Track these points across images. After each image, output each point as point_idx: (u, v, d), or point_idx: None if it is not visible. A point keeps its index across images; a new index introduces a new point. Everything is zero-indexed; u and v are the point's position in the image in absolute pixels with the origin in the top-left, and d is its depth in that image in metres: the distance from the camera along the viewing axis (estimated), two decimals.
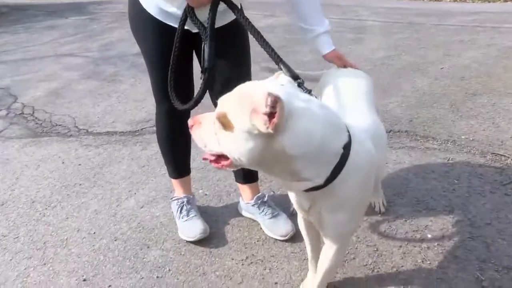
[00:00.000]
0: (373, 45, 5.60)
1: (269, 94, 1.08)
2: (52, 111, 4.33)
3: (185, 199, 2.39)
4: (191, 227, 2.30)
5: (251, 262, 2.15)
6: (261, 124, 1.11)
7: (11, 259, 2.32)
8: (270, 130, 1.11)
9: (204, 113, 1.31)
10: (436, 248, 2.14)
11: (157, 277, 2.12)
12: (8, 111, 4.44)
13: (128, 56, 5.92)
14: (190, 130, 1.31)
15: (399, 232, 2.28)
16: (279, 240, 2.28)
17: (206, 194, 2.72)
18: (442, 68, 4.60)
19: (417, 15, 6.99)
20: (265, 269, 2.11)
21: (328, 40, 2.00)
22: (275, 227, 2.30)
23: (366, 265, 2.09)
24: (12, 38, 7.87)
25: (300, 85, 1.43)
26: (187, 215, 2.34)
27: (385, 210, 2.42)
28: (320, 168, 1.24)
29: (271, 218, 2.33)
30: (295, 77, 1.47)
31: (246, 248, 2.25)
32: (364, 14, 7.53)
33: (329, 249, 1.60)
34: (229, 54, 1.99)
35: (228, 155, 1.23)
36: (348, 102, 1.67)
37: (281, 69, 1.54)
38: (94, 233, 2.47)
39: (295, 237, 2.26)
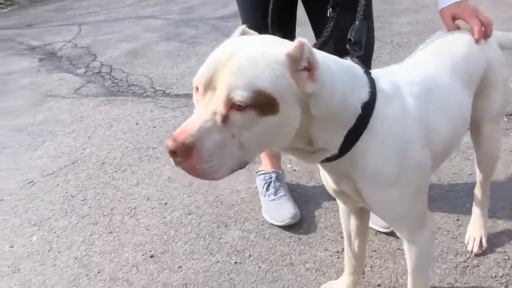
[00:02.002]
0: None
1: (304, 43, 0.84)
2: (130, 70, 4.18)
3: (273, 175, 2.08)
4: (279, 210, 1.98)
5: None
6: (307, 83, 0.86)
7: (77, 223, 2.17)
8: (316, 89, 0.86)
9: (190, 122, 0.84)
10: None
11: (235, 262, 1.82)
12: (87, 69, 4.37)
13: (210, 19, 5.68)
14: (177, 164, 0.84)
15: None
16: (380, 232, 1.89)
17: (295, 170, 2.36)
18: None
19: None
20: (365, 266, 1.75)
21: None
22: (376, 217, 1.91)
23: (495, 277, 1.67)
24: (96, 1, 7.97)
25: None
26: (275, 193, 2.02)
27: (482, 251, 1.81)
28: (334, 133, 0.98)
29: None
30: None
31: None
32: None
33: (404, 246, 1.29)
34: None
35: (254, 151, 0.92)
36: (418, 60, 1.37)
37: None
38: (166, 203, 2.21)
39: None
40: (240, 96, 0.80)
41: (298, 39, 0.85)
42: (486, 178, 1.75)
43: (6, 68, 4.64)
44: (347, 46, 1.22)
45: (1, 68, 4.64)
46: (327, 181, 1.24)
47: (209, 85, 0.85)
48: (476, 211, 1.79)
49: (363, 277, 1.69)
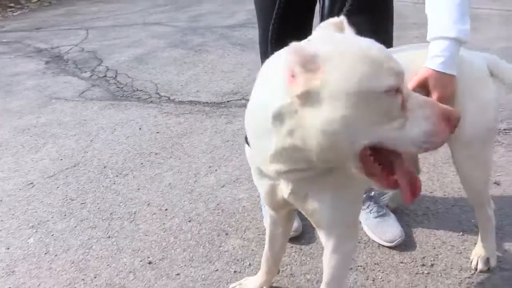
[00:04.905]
0: (490, 34, 4.91)
1: None
2: (135, 76, 4.16)
3: None
4: None
5: (350, 268, 1.74)
6: None
7: (75, 226, 2.12)
8: None
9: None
10: None
11: (235, 271, 1.77)
12: (92, 73, 4.35)
13: (217, 27, 5.68)
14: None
15: None
16: (384, 246, 1.85)
17: None
18: None
19: None
20: (367, 279, 1.71)
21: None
22: (381, 230, 1.89)
23: None
24: (105, 7, 7.97)
25: None
26: None
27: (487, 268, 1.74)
28: None
29: (376, 217, 1.90)
30: None
31: None
32: (477, 1, 6.74)
33: (326, 257, 1.30)
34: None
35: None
36: None
37: None
38: (166, 209, 2.18)
39: (405, 245, 1.86)
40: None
41: None
42: (475, 206, 1.67)
43: (12, 69, 4.63)
44: None
45: (7, 70, 4.63)
46: (275, 190, 1.21)
47: None
48: (481, 232, 1.73)
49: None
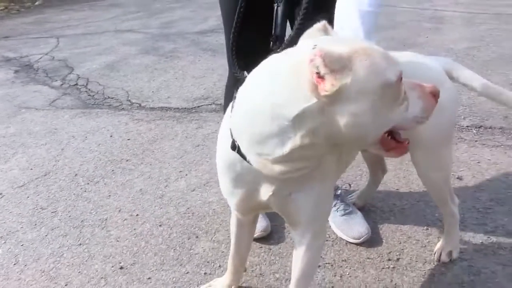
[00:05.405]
0: (454, 35, 5.05)
1: None
2: (106, 83, 4.14)
3: None
4: None
5: (318, 266, 1.78)
6: None
7: (46, 235, 2.11)
8: None
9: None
10: None
11: (205, 273, 1.80)
12: (63, 81, 4.32)
13: (189, 34, 5.70)
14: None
15: (502, 247, 1.85)
16: (351, 242, 1.90)
17: None
18: None
19: (507, 6, 6.30)
20: (334, 276, 1.75)
21: None
22: (348, 227, 1.94)
23: (461, 283, 1.70)
24: (76, 15, 7.90)
25: None
26: None
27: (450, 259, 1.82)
28: None
29: (343, 215, 1.95)
30: None
31: None
32: (441, 4, 6.92)
33: (298, 253, 1.34)
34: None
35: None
36: None
37: None
38: (137, 215, 2.19)
39: (371, 241, 1.91)
40: None
41: None
42: (438, 203, 1.75)
43: None
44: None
45: None
46: (251, 196, 1.22)
47: None
48: (445, 226, 1.80)
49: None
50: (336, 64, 0.87)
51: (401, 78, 0.96)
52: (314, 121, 0.91)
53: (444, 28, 5.42)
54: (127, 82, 4.16)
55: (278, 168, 1.00)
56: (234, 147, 1.07)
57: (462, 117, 2.98)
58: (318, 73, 0.86)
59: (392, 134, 1.03)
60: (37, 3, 9.13)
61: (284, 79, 0.93)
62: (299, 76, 0.89)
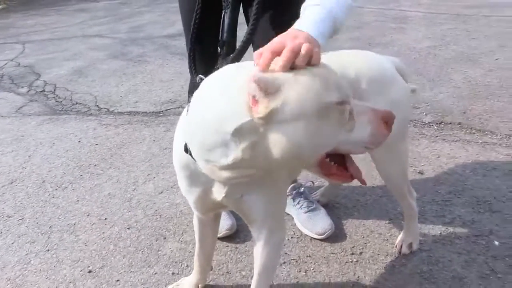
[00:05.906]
0: (417, 35, 5.19)
1: None
2: (74, 89, 4.12)
3: None
4: None
5: (284, 262, 1.84)
6: None
7: (13, 243, 2.09)
8: None
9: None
10: (507, 260, 1.78)
11: (173, 273, 1.83)
12: (30, 88, 4.27)
13: (157, 38, 5.71)
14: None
15: (458, 237, 1.93)
16: (315, 238, 1.95)
17: None
18: (497, 59, 4.16)
19: (465, 7, 6.51)
20: (299, 271, 1.80)
21: None
22: (311, 224, 1.99)
23: (420, 273, 1.77)
24: (42, 20, 7.79)
25: None
26: None
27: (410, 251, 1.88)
28: None
29: (307, 212, 2.01)
30: None
31: None
32: (406, 4, 7.10)
33: (258, 249, 1.38)
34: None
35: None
36: None
37: None
38: (106, 219, 2.20)
39: (335, 236, 1.97)
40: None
41: None
42: (397, 197, 1.82)
43: None
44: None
45: None
46: (207, 195, 1.26)
47: None
48: (405, 219, 1.87)
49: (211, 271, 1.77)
50: (270, 89, 0.90)
51: (347, 102, 0.97)
52: (251, 137, 0.94)
53: (407, 28, 5.56)
54: (95, 87, 4.14)
55: (225, 174, 1.03)
56: (187, 150, 1.10)
57: (424, 113, 3.09)
58: (254, 96, 0.91)
59: (345, 159, 1.05)
60: (0, 7, 8.96)
61: (231, 95, 0.96)
62: (242, 95, 0.93)
